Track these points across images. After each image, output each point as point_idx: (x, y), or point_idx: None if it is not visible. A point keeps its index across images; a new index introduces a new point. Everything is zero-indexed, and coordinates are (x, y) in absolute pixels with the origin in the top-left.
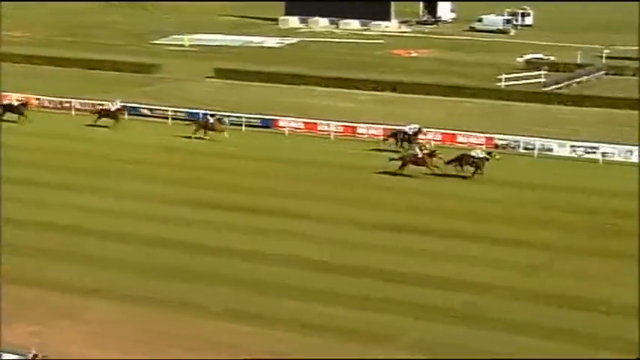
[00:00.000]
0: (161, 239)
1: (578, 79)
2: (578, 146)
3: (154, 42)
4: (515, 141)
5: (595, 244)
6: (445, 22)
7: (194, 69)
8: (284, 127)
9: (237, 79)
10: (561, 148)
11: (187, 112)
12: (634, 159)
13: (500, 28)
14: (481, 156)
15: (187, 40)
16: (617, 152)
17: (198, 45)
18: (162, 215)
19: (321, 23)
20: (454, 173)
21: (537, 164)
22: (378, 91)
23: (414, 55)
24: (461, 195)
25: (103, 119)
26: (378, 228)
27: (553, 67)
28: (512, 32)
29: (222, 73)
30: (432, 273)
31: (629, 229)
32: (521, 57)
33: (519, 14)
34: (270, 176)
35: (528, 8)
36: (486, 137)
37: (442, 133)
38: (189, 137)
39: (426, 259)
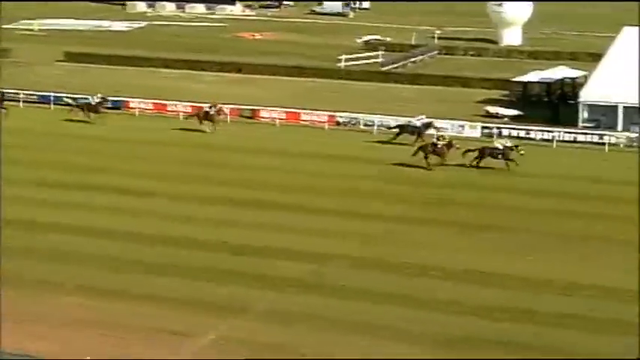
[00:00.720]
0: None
1: (413, 59)
2: None
3: (3, 27)
4: (356, 118)
5: (429, 214)
6: (287, 5)
7: (44, 53)
8: (134, 108)
9: (87, 63)
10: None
11: (40, 96)
12: (465, 133)
13: (340, 11)
14: (501, 147)
15: (36, 24)
16: (450, 127)
17: (48, 29)
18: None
19: (168, 7)
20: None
21: (376, 140)
22: (225, 72)
23: (258, 37)
24: (301, 170)
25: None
26: (223, 203)
27: (390, 47)
28: (351, 15)
29: (72, 57)
30: (278, 245)
31: (462, 199)
32: (360, 38)
33: None
34: (133, 157)
35: None
36: (329, 115)
37: (286, 112)
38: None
39: (271, 232)
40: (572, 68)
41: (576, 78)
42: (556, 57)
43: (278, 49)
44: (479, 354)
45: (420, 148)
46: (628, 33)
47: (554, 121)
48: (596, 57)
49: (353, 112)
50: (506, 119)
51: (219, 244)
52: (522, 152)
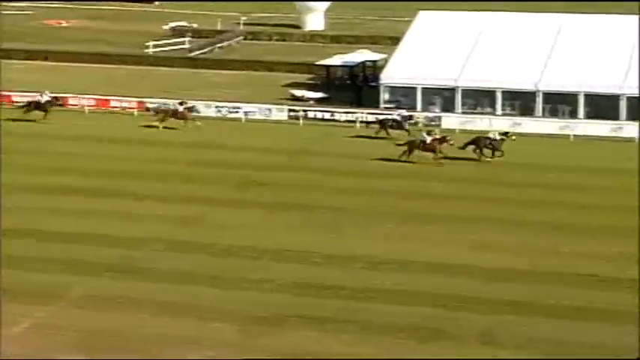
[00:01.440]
0: None
1: (220, 45)
2: (222, 106)
3: None
4: (165, 104)
5: (240, 196)
6: None
7: None
8: None
9: None
10: (207, 109)
11: None
12: (273, 117)
13: None
14: (497, 138)
15: None
16: (257, 111)
17: None
18: None
19: None
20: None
21: (185, 125)
22: (32, 60)
23: (64, 25)
24: (112, 156)
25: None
26: (35, 190)
27: (196, 33)
28: (157, 2)
29: None
30: (91, 231)
31: (271, 180)
32: (167, 25)
33: None
34: None
35: None
36: (138, 101)
37: (95, 99)
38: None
39: (84, 218)
40: (373, 52)
41: (377, 61)
42: (357, 41)
43: (85, 37)
44: (290, 330)
45: (408, 143)
46: (423, 17)
47: (358, 102)
48: (395, 40)
49: (162, 98)
50: (311, 102)
51: (31, 232)
52: (514, 138)
